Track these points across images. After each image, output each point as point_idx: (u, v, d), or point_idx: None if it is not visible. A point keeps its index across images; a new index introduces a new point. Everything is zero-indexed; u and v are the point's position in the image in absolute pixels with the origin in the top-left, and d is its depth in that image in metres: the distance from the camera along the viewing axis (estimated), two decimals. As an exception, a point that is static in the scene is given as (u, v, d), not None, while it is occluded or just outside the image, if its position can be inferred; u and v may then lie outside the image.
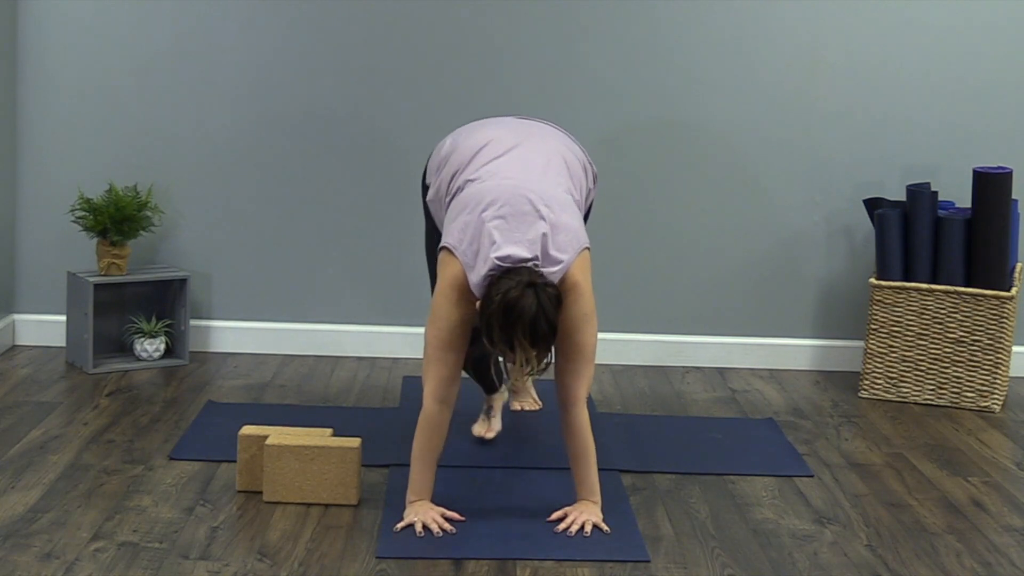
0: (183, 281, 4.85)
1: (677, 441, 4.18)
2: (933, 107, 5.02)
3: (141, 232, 4.80)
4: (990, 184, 4.64)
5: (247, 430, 3.62)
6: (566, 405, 3.41)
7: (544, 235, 3.30)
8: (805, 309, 5.13)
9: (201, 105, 4.95)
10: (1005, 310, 4.67)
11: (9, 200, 4.93)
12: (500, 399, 4.14)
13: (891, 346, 4.77)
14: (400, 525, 3.38)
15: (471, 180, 3.48)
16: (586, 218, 3.68)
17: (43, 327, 5.00)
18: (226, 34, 4.92)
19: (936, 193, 4.76)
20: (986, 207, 4.65)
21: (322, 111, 4.95)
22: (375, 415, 4.34)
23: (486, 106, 4.79)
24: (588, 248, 3.41)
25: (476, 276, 3.30)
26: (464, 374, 3.56)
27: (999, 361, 4.69)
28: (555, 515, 3.46)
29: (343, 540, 3.32)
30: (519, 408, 4.39)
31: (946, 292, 4.70)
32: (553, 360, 3.35)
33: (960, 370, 4.72)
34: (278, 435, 3.58)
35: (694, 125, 5.01)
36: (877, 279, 4.79)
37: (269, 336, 5.05)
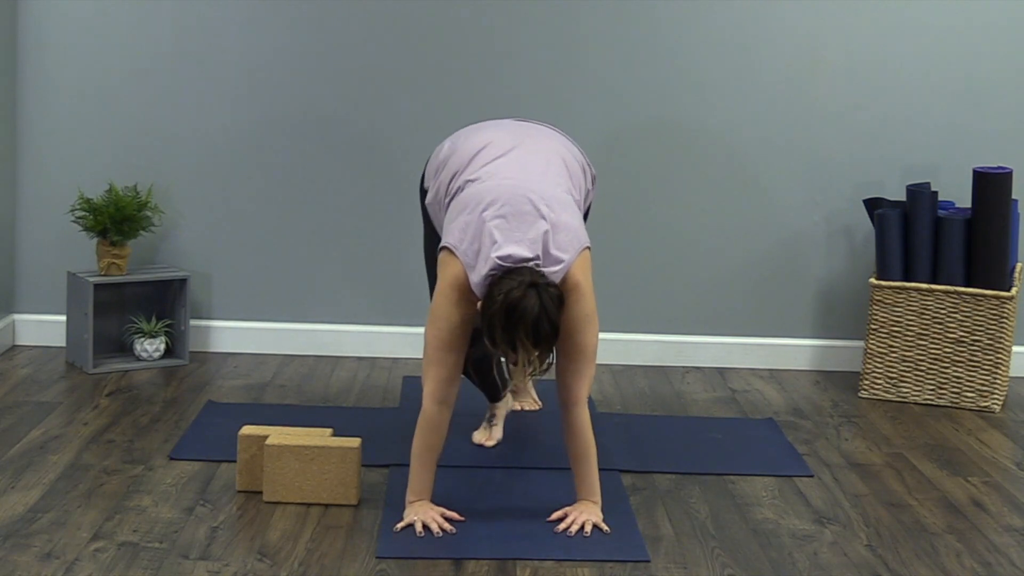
0: (183, 281, 4.85)
1: (677, 441, 4.18)
2: (933, 107, 5.02)
3: (141, 232, 4.80)
4: (990, 184, 4.64)
5: (247, 430, 3.62)
6: (567, 405, 3.40)
7: (545, 233, 3.30)
8: (805, 309, 5.13)
9: (201, 105, 4.95)
10: (1005, 310, 4.67)
11: (9, 200, 4.93)
12: (504, 408, 4.13)
13: (891, 346, 4.77)
14: (400, 525, 3.37)
15: (471, 181, 3.47)
16: (585, 219, 3.67)
17: (43, 327, 5.00)
18: (226, 34, 4.92)
19: (936, 193, 4.76)
20: (986, 207, 4.65)
21: (322, 111, 4.95)
22: (375, 415, 4.34)
23: (486, 106, 4.79)
24: (589, 248, 3.41)
25: (477, 276, 3.29)
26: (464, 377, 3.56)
27: (999, 361, 4.69)
28: (555, 515, 3.46)
29: (343, 540, 3.32)
30: (519, 408, 4.39)
31: (946, 292, 4.70)
32: (554, 360, 3.35)
33: (960, 370, 4.72)
34: (278, 435, 3.58)
35: (694, 125, 5.01)
36: (877, 279, 4.79)
37: (269, 336, 5.05)
